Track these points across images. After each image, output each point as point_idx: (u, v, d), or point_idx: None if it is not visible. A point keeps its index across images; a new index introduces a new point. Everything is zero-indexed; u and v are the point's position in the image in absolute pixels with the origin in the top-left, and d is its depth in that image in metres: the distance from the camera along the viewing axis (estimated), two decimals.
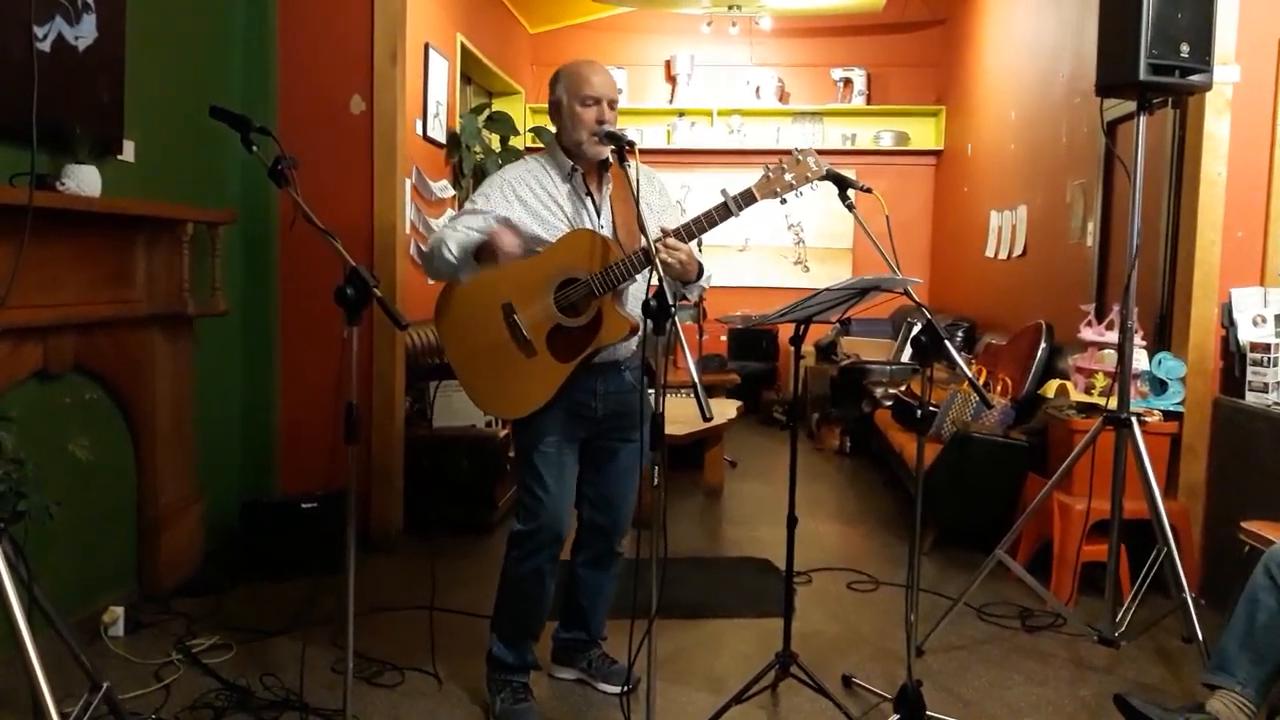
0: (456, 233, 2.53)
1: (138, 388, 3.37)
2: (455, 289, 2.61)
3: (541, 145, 6.47)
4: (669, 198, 2.79)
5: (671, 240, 2.42)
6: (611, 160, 2.56)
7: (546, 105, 2.69)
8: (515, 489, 2.94)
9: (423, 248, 5.43)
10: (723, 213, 2.46)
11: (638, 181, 2.38)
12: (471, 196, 2.64)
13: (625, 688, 2.75)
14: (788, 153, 2.50)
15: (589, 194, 2.62)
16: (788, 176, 2.47)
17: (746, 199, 2.46)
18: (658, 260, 2.26)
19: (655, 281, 2.20)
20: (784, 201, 2.50)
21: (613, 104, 2.57)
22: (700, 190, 8.24)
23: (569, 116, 2.57)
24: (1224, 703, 2.42)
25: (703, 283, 2.63)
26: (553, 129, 2.70)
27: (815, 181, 2.50)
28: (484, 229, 2.50)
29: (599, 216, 2.62)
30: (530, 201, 2.58)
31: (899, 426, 5.13)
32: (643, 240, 2.32)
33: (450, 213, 5.97)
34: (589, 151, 2.56)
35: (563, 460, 2.63)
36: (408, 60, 4.26)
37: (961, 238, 7.36)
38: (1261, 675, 2.42)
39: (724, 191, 2.46)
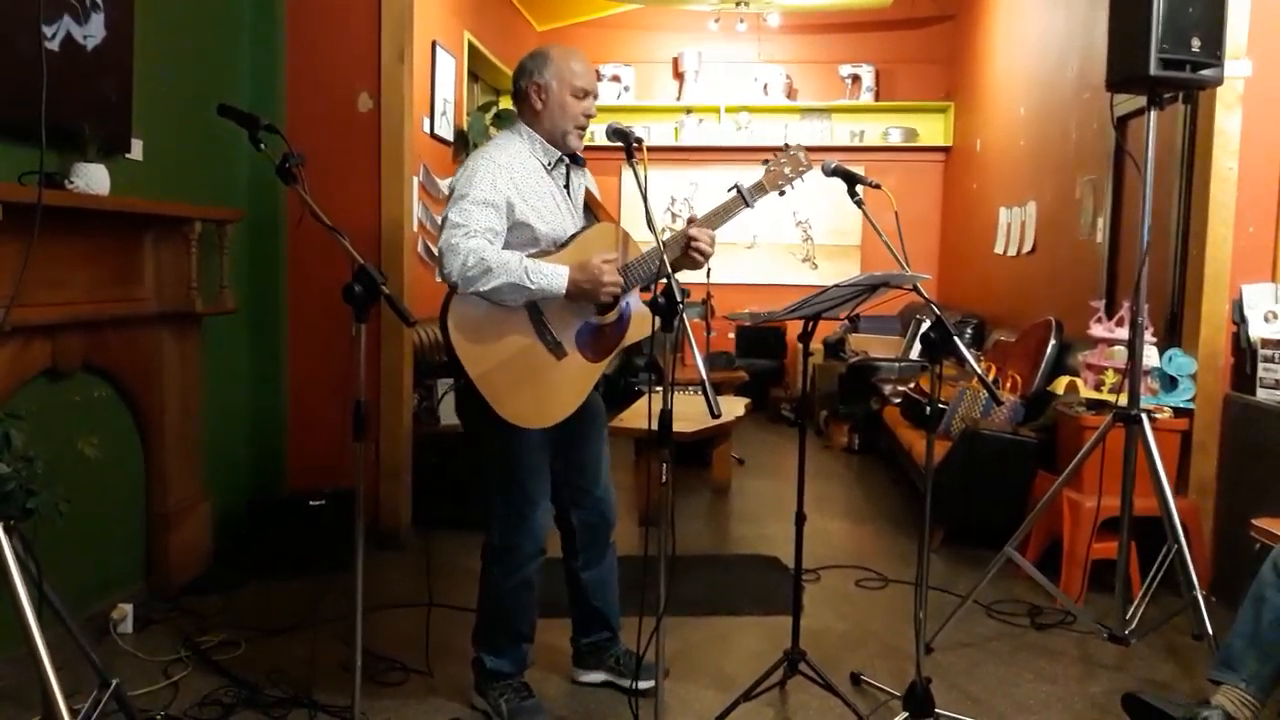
0: (495, 250, 2.35)
1: (146, 386, 3.37)
2: (466, 294, 2.39)
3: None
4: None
5: (705, 229, 2.52)
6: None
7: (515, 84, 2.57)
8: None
9: (433, 248, 5.44)
10: (738, 205, 2.59)
11: (646, 177, 2.35)
12: (472, 182, 2.41)
13: (650, 682, 2.65)
14: (782, 149, 2.65)
15: (565, 186, 2.60)
16: (786, 170, 2.63)
17: (758, 190, 2.60)
18: (692, 249, 2.49)
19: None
20: (782, 194, 2.67)
21: (595, 96, 2.61)
22: (708, 187, 8.24)
23: (557, 105, 2.52)
24: (1228, 699, 2.41)
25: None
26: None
27: (805, 174, 2.66)
28: (561, 273, 2.38)
29: (578, 212, 2.61)
30: (526, 192, 2.47)
31: (908, 424, 5.12)
32: (653, 237, 2.34)
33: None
34: (572, 144, 2.56)
35: (544, 467, 2.59)
36: (415, 58, 4.26)
37: (970, 234, 7.34)
38: (1267, 673, 2.41)
39: (737, 185, 2.58)
